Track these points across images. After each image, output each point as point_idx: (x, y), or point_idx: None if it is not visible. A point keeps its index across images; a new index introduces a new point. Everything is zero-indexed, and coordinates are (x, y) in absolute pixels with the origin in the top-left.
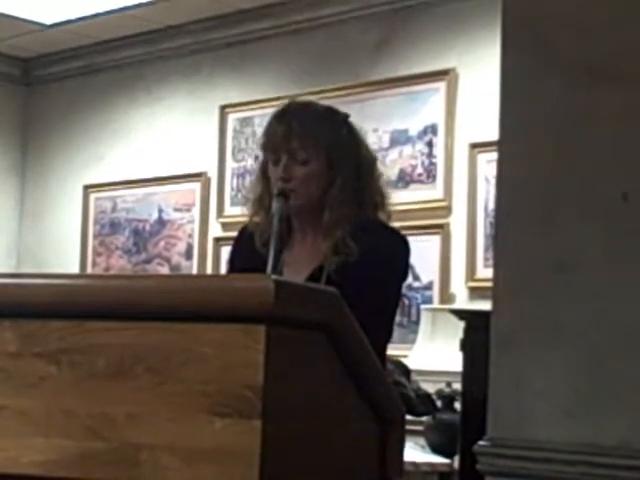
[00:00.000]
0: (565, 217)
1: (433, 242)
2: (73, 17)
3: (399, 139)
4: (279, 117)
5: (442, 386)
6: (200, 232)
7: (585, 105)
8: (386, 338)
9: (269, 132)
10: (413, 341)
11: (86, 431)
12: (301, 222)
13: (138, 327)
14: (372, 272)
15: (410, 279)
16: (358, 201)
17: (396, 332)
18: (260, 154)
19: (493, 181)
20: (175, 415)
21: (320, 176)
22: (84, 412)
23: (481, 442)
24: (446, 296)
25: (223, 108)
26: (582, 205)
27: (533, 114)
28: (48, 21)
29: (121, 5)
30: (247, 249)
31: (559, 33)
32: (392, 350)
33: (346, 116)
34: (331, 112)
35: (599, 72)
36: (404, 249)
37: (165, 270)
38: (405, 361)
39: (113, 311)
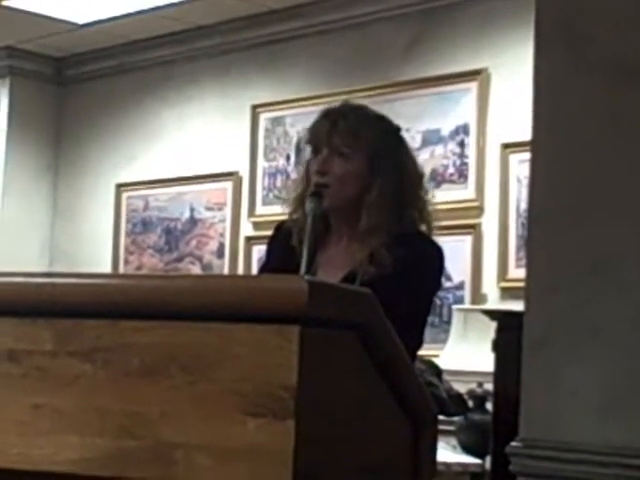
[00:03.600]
0: (599, 217)
1: (465, 242)
2: (105, 17)
3: (431, 139)
4: (326, 114)
5: (474, 386)
6: (232, 231)
7: (619, 104)
8: (416, 346)
9: (314, 126)
10: (444, 341)
11: (120, 429)
12: (338, 223)
13: (172, 326)
14: (404, 280)
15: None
16: (398, 212)
17: (427, 332)
18: (306, 153)
19: (525, 181)
20: (209, 414)
21: (358, 176)
22: (118, 410)
23: (513, 443)
24: (478, 296)
25: (254, 108)
26: (616, 205)
27: (567, 113)
28: (81, 21)
29: (152, 5)
30: (283, 245)
31: (593, 32)
32: (424, 350)
33: (398, 127)
34: (381, 118)
35: (633, 70)
36: (438, 258)
37: (196, 269)
38: (436, 361)
39: (147, 310)
